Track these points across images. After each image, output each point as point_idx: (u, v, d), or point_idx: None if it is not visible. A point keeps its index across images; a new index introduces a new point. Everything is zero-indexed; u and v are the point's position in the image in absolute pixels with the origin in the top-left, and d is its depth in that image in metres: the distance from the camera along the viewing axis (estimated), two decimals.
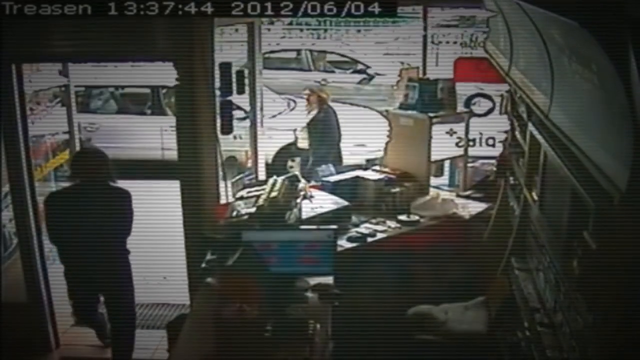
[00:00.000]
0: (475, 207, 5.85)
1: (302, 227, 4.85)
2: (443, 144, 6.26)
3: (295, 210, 4.95)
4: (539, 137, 4.09)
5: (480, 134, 6.80)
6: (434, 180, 6.29)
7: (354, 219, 5.48)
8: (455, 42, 10.26)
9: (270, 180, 5.27)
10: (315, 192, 5.52)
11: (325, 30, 14.01)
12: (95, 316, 5.28)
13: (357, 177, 5.91)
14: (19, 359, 5.07)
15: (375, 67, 12.86)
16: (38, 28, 4.76)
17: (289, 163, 9.13)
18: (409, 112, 6.01)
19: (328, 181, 5.85)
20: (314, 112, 7.86)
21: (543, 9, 3.11)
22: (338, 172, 6.22)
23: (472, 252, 5.38)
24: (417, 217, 5.61)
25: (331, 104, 7.83)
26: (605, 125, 2.86)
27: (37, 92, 5.94)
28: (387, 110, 6.39)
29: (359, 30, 13.42)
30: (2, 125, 4.97)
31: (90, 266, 4.77)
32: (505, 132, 5.58)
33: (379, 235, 5.36)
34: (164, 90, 9.37)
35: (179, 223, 5.21)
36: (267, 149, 7.27)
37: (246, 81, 5.68)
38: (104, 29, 4.78)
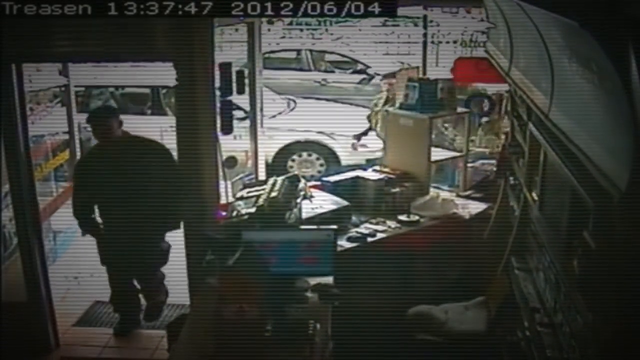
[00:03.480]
0: (475, 207, 5.85)
1: (302, 227, 4.85)
2: None
3: (295, 210, 4.95)
4: (539, 137, 4.09)
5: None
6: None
7: (354, 219, 5.47)
8: (455, 42, 10.27)
9: (270, 180, 5.27)
10: (315, 192, 5.52)
11: (326, 30, 14.01)
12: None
13: (357, 177, 5.92)
14: (19, 359, 5.07)
15: (375, 67, 12.86)
16: (38, 28, 4.76)
17: (289, 163, 9.15)
18: (409, 112, 6.01)
19: (328, 181, 5.86)
20: None
21: (543, 9, 3.11)
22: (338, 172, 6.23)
23: (472, 252, 5.38)
24: (417, 217, 5.61)
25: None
26: (605, 125, 2.86)
27: (36, 92, 5.94)
28: (387, 111, 6.39)
29: (360, 30, 13.42)
30: (2, 125, 4.97)
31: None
32: (505, 132, 5.58)
33: (379, 235, 5.36)
34: (164, 90, 9.37)
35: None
36: (267, 149, 7.28)
37: (246, 81, 5.69)
38: (104, 29, 4.78)
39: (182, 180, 5.01)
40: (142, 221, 4.96)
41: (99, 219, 5.26)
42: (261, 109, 6.25)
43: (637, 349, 2.83)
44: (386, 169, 6.06)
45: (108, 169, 5.00)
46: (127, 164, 4.98)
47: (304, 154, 9.21)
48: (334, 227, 4.54)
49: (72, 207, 5.24)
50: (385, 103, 7.31)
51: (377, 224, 5.51)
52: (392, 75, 7.52)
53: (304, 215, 5.11)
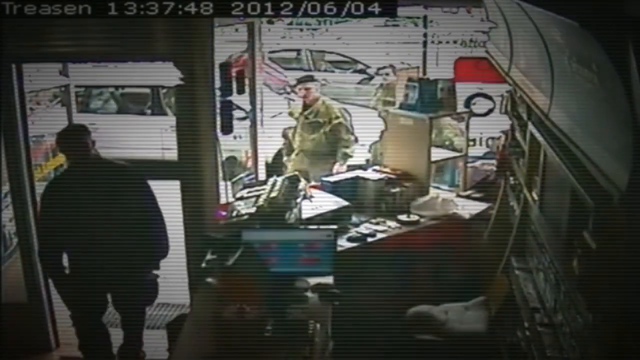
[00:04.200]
0: (475, 207, 5.84)
1: (302, 227, 4.85)
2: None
3: (295, 210, 4.95)
4: (539, 137, 4.09)
5: (481, 133, 6.81)
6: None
7: (354, 219, 5.47)
8: (455, 42, 10.26)
9: (270, 180, 5.28)
10: (315, 192, 5.53)
11: (326, 30, 14.01)
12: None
13: (357, 177, 5.92)
14: (19, 359, 5.07)
15: (375, 67, 12.85)
16: (38, 28, 4.76)
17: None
18: (409, 112, 6.01)
19: (328, 181, 5.86)
20: None
21: (543, 9, 3.11)
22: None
23: (472, 252, 5.38)
24: (417, 217, 5.61)
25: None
26: (605, 125, 2.86)
27: (36, 92, 5.95)
28: (387, 111, 6.39)
29: (360, 30, 13.42)
30: (2, 125, 4.98)
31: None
32: (505, 132, 5.58)
33: (379, 235, 5.36)
34: (164, 90, 9.38)
35: (179, 223, 5.22)
36: (267, 149, 7.27)
37: (246, 81, 5.69)
38: (104, 29, 4.79)
39: (158, 212, 4.65)
40: (121, 257, 4.48)
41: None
42: (261, 109, 6.25)
43: (638, 349, 2.83)
44: (386, 169, 6.06)
45: (83, 196, 4.43)
46: (103, 191, 4.45)
47: None
48: (334, 227, 4.55)
49: (38, 243, 4.69)
50: (304, 110, 7.00)
51: (377, 224, 5.51)
52: (310, 78, 7.25)
53: (304, 215, 5.11)
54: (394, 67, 7.99)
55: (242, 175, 6.17)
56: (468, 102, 6.45)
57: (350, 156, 6.88)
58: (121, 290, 4.65)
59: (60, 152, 4.77)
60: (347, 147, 6.86)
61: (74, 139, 4.55)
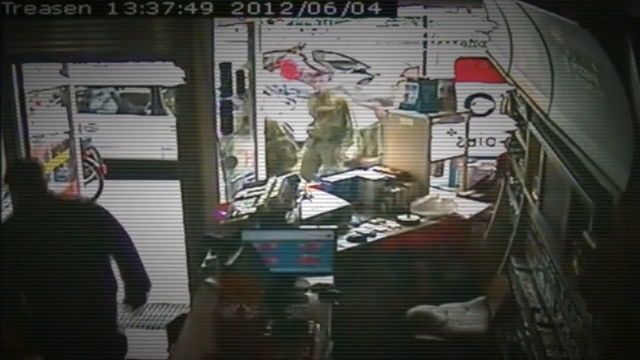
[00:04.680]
0: (475, 207, 5.85)
1: (302, 227, 4.85)
2: (443, 144, 6.27)
3: (295, 210, 4.95)
4: (539, 137, 4.09)
5: (481, 133, 6.81)
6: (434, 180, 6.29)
7: (354, 219, 5.48)
8: (455, 42, 10.27)
9: (270, 180, 5.28)
10: (315, 192, 5.53)
11: (327, 30, 13.99)
12: None
13: (357, 177, 5.92)
14: (18, 358, 5.06)
15: (375, 67, 12.84)
16: (38, 28, 4.77)
17: None
18: (409, 112, 6.01)
19: (328, 181, 5.86)
20: None
21: (543, 9, 3.11)
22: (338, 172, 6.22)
23: (472, 252, 5.38)
24: (417, 217, 5.62)
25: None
26: (605, 125, 2.86)
27: (36, 92, 5.96)
28: (387, 111, 6.39)
29: (360, 30, 13.40)
30: (2, 125, 4.98)
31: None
32: (510, 131, 5.58)
33: (379, 235, 5.36)
34: (164, 90, 9.39)
35: (179, 223, 5.22)
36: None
37: (246, 81, 5.69)
38: (104, 29, 4.79)
39: (131, 246, 4.13)
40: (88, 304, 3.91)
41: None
42: (262, 109, 6.25)
43: (638, 349, 2.83)
44: (386, 169, 6.06)
45: (41, 238, 3.81)
46: (65, 231, 3.83)
47: None
48: (334, 227, 4.55)
49: None
50: None
51: (377, 224, 5.51)
52: None
53: (304, 215, 5.11)
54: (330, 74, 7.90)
55: (242, 175, 6.17)
56: (468, 102, 6.45)
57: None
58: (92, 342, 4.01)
59: (10, 190, 4.10)
60: (293, 165, 6.74)
61: (25, 177, 3.95)
